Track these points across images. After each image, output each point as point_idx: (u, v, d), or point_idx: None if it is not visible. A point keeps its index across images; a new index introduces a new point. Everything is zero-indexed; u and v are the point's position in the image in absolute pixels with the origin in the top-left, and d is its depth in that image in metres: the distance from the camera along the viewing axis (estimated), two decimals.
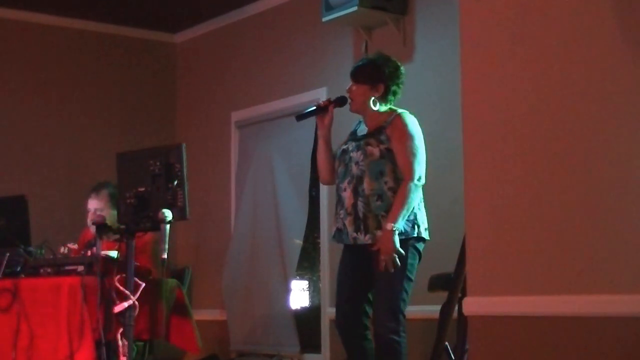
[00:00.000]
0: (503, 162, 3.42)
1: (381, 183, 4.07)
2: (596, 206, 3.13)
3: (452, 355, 4.43)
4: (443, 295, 4.46)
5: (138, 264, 4.31)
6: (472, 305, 3.48)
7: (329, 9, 5.72)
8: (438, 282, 4.63)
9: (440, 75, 5.45)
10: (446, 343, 4.41)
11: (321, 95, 5.97)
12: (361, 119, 4.33)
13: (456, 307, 4.26)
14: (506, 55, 3.45)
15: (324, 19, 5.78)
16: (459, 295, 4.23)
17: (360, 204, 4.06)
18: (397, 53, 5.53)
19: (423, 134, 4.26)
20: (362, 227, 4.07)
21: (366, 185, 4.07)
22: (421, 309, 4.68)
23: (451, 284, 4.38)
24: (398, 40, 5.70)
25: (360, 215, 4.06)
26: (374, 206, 4.06)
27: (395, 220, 3.98)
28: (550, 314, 3.20)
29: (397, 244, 3.98)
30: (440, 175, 4.96)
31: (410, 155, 4.08)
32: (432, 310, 4.54)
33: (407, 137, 4.11)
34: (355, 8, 5.54)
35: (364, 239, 4.08)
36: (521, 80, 3.39)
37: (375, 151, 4.09)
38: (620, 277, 3.03)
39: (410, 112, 4.30)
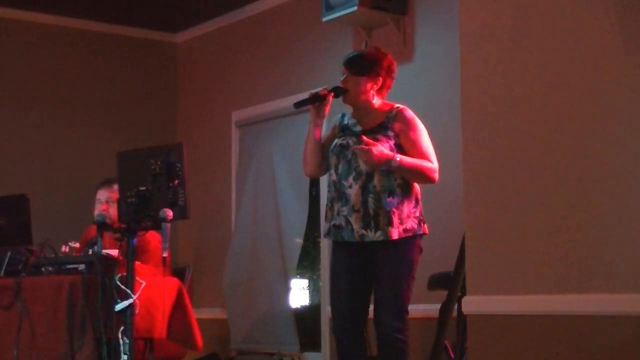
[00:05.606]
0: (502, 161, 3.43)
1: (391, 179, 4.00)
2: (595, 206, 3.14)
3: (451, 353, 4.44)
4: (443, 294, 4.46)
5: (139, 262, 4.32)
6: (472, 304, 3.49)
7: (329, 8, 5.73)
8: (438, 281, 4.63)
9: (440, 75, 5.46)
10: (446, 342, 4.42)
11: None
12: (347, 112, 4.25)
13: (456, 306, 4.27)
14: (505, 55, 3.46)
15: (324, 19, 5.79)
16: (459, 294, 4.25)
17: (370, 201, 3.98)
18: (397, 53, 5.52)
19: None
20: (372, 224, 3.97)
21: (377, 182, 3.98)
22: (421, 307, 4.67)
23: (451, 283, 4.38)
24: (398, 40, 5.71)
25: (371, 212, 3.97)
26: (384, 202, 3.98)
27: (402, 160, 3.96)
28: (548, 312, 3.22)
29: (382, 163, 3.94)
30: (440, 175, 4.97)
31: (427, 147, 4.07)
32: (432, 308, 4.55)
33: (418, 131, 4.07)
34: (355, 8, 5.55)
35: (374, 236, 3.98)
36: (520, 80, 3.40)
37: (386, 147, 4.00)
38: (618, 277, 3.06)
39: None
